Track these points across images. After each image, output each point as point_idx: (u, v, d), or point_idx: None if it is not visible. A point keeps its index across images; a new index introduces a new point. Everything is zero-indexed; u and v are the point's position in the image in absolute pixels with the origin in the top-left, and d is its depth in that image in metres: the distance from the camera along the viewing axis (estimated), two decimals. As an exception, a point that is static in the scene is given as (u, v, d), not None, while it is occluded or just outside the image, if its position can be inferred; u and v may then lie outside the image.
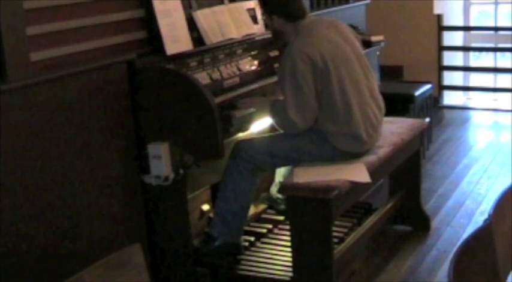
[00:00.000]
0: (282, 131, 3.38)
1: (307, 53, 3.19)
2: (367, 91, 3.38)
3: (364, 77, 3.39)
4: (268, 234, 3.68)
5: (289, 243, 3.25)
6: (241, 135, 3.52)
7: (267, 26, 3.95)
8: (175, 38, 3.27)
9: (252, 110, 3.35)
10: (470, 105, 7.14)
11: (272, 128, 3.65)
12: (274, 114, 3.30)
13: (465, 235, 3.05)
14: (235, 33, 3.63)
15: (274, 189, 3.88)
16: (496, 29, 7.14)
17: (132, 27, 3.27)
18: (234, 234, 3.40)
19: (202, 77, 3.31)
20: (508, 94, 6.82)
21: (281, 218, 3.80)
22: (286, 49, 3.30)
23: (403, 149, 3.71)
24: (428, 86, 5.60)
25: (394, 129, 3.73)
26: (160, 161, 3.05)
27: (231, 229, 3.37)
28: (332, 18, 3.54)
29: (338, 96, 3.24)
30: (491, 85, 7.25)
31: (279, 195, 3.81)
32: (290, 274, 3.22)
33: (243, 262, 3.40)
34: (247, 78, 3.63)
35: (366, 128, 3.32)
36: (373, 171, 3.30)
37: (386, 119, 3.62)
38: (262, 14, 3.49)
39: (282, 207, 3.80)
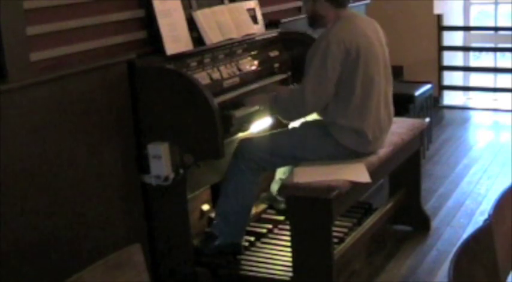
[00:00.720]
0: (286, 123, 3.39)
1: (344, 40, 3.22)
2: (383, 96, 3.40)
3: (385, 81, 3.41)
4: (268, 234, 3.68)
5: (289, 243, 3.25)
6: (241, 135, 3.53)
7: (269, 25, 3.96)
8: (175, 38, 3.27)
9: (255, 108, 3.36)
10: (470, 105, 7.14)
11: (273, 127, 3.66)
12: (281, 99, 3.31)
13: (465, 235, 3.04)
14: (235, 33, 3.63)
15: (274, 187, 3.88)
16: (496, 29, 7.14)
17: (132, 27, 3.27)
18: (236, 234, 3.40)
19: (202, 77, 3.31)
20: (508, 94, 6.82)
21: (281, 218, 3.80)
22: (322, 32, 3.32)
23: (403, 149, 3.71)
24: (428, 86, 5.60)
25: (394, 129, 3.73)
26: (160, 161, 3.05)
27: (233, 229, 3.38)
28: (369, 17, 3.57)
29: (359, 90, 3.26)
30: (491, 85, 7.25)
31: (279, 196, 3.82)
32: (290, 274, 3.22)
33: (243, 262, 3.40)
34: (247, 78, 3.63)
35: (373, 129, 3.33)
36: (373, 171, 3.30)
37: (386, 119, 3.62)
38: None
39: (282, 206, 3.80)
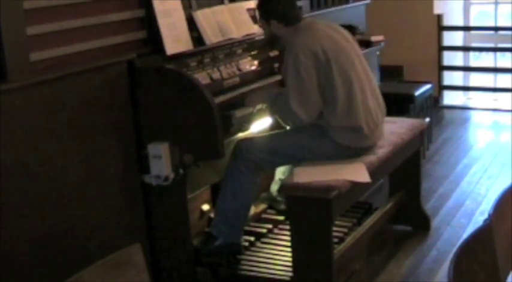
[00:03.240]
0: (286, 126, 3.40)
1: (309, 47, 3.23)
2: (369, 89, 3.41)
3: (364, 75, 3.41)
4: (268, 234, 3.68)
5: (289, 243, 3.25)
6: (241, 135, 3.52)
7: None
8: (175, 38, 3.27)
9: (253, 109, 3.36)
10: (470, 105, 7.14)
11: (273, 127, 3.66)
12: (278, 108, 3.31)
13: (465, 235, 3.04)
14: (235, 33, 3.63)
15: (274, 187, 3.88)
16: (496, 29, 7.14)
17: (132, 27, 3.27)
18: (235, 233, 3.40)
19: (202, 77, 3.31)
20: (508, 94, 6.82)
21: (281, 218, 3.80)
22: (287, 48, 3.32)
23: (403, 149, 3.71)
24: (428, 86, 5.60)
25: (394, 129, 3.73)
26: (160, 161, 3.05)
27: (232, 229, 3.38)
28: (327, 21, 3.58)
29: (341, 89, 3.26)
30: (491, 85, 7.26)
31: (279, 196, 3.82)
32: (290, 274, 3.22)
33: (243, 262, 3.40)
34: (247, 78, 3.63)
35: (366, 121, 3.34)
36: (373, 171, 3.30)
37: (386, 119, 3.63)
38: (259, 20, 3.51)
39: (282, 206, 3.80)
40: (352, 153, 3.34)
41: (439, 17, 6.89)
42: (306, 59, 3.21)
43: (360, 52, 3.52)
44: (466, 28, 7.21)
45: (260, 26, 3.56)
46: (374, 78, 3.54)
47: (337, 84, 3.26)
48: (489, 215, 2.00)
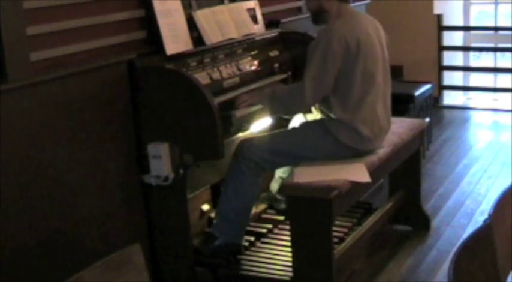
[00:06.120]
0: (285, 116, 3.39)
1: (345, 35, 3.25)
2: (382, 95, 3.42)
3: (383, 81, 3.42)
4: (268, 234, 3.68)
5: (289, 243, 3.25)
6: (241, 135, 3.52)
7: (269, 25, 3.95)
8: (175, 38, 3.27)
9: (257, 107, 3.37)
10: (470, 105, 7.14)
11: (273, 127, 3.66)
12: (278, 93, 3.32)
13: (465, 235, 3.04)
14: (235, 33, 3.63)
15: (274, 186, 3.87)
16: (496, 29, 7.14)
17: (132, 27, 3.27)
18: (236, 234, 3.40)
19: (202, 77, 3.31)
20: (508, 94, 6.82)
21: (281, 218, 3.80)
22: (325, 26, 3.35)
23: (403, 149, 3.71)
24: (428, 86, 5.60)
25: (394, 129, 3.73)
26: (160, 161, 3.05)
27: (233, 229, 3.37)
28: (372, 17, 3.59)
29: (357, 85, 3.28)
30: (491, 85, 7.26)
31: (279, 196, 3.82)
32: (290, 274, 3.22)
33: (243, 262, 3.40)
34: (247, 78, 3.63)
35: (371, 125, 3.34)
36: (373, 171, 3.30)
37: (386, 118, 3.63)
38: None
39: (282, 206, 3.80)
40: (352, 154, 3.34)
41: (439, 17, 6.89)
42: (338, 48, 3.22)
43: (387, 58, 3.52)
44: (466, 28, 7.21)
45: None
46: (390, 87, 3.54)
47: (356, 77, 3.27)
48: (489, 215, 2.00)
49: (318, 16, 3.46)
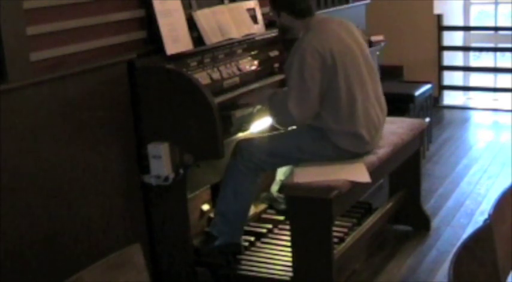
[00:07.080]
0: (279, 127, 3.39)
1: (318, 48, 3.20)
2: (372, 93, 3.39)
3: (369, 78, 3.39)
4: (268, 234, 3.68)
5: (289, 243, 3.25)
6: (241, 135, 3.52)
7: (269, 25, 3.95)
8: (175, 38, 3.27)
9: (252, 109, 3.36)
10: (470, 105, 7.14)
11: (272, 128, 3.65)
12: (272, 105, 3.29)
13: (465, 235, 3.04)
14: (235, 33, 3.63)
15: (274, 188, 3.88)
16: (496, 29, 7.14)
17: (132, 27, 3.27)
18: (235, 234, 3.40)
19: (202, 77, 3.31)
20: (508, 94, 6.82)
21: (281, 218, 3.80)
22: (295, 43, 3.30)
23: (403, 149, 3.71)
24: (428, 86, 5.60)
25: (394, 129, 3.73)
26: (160, 161, 3.05)
27: (232, 229, 3.38)
28: (340, 18, 3.56)
29: (344, 94, 3.24)
30: (491, 85, 7.26)
31: (280, 195, 3.82)
32: (290, 274, 3.22)
33: (243, 262, 3.40)
34: (247, 78, 3.63)
35: (368, 129, 3.32)
36: (373, 171, 3.30)
37: (386, 119, 3.61)
38: (270, 11, 3.50)
39: (282, 207, 3.80)
40: (352, 156, 3.33)
41: (439, 17, 6.89)
42: (312, 61, 3.17)
43: (368, 53, 3.47)
44: (466, 28, 7.21)
45: (272, 17, 3.54)
46: (379, 81, 3.51)
47: (341, 88, 3.23)
48: (489, 215, 2.00)
49: (285, 32, 3.50)
